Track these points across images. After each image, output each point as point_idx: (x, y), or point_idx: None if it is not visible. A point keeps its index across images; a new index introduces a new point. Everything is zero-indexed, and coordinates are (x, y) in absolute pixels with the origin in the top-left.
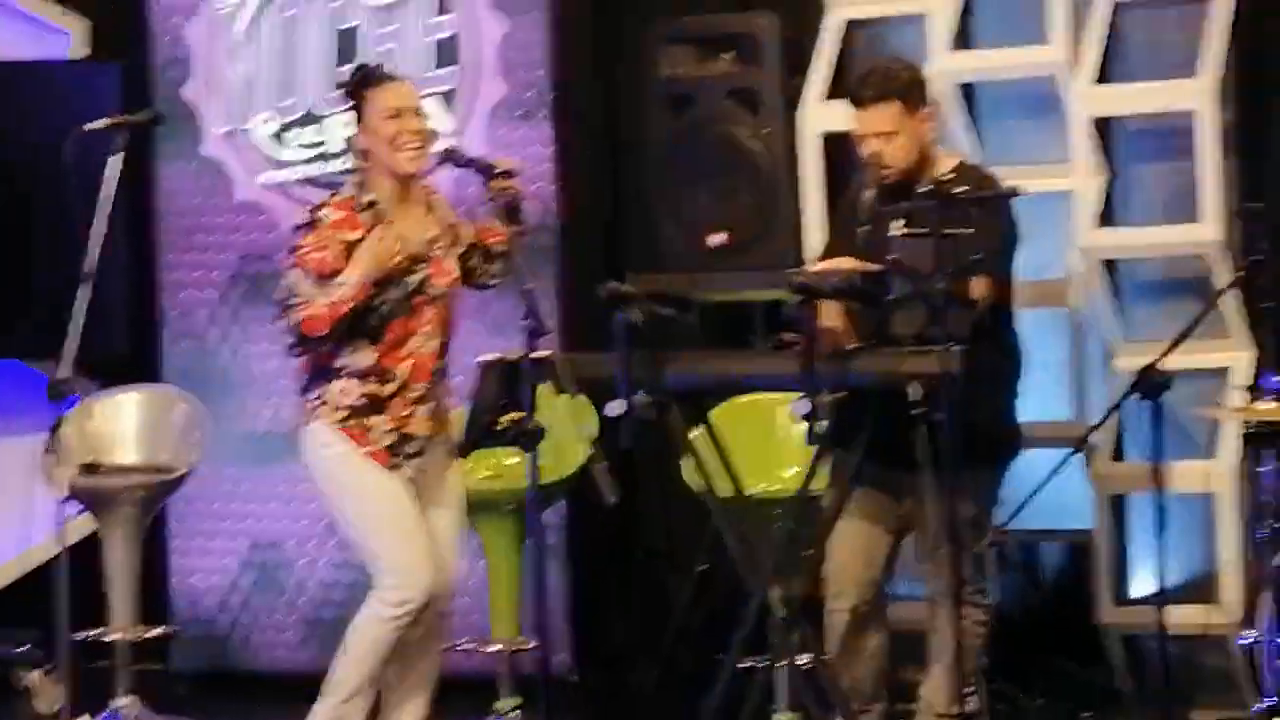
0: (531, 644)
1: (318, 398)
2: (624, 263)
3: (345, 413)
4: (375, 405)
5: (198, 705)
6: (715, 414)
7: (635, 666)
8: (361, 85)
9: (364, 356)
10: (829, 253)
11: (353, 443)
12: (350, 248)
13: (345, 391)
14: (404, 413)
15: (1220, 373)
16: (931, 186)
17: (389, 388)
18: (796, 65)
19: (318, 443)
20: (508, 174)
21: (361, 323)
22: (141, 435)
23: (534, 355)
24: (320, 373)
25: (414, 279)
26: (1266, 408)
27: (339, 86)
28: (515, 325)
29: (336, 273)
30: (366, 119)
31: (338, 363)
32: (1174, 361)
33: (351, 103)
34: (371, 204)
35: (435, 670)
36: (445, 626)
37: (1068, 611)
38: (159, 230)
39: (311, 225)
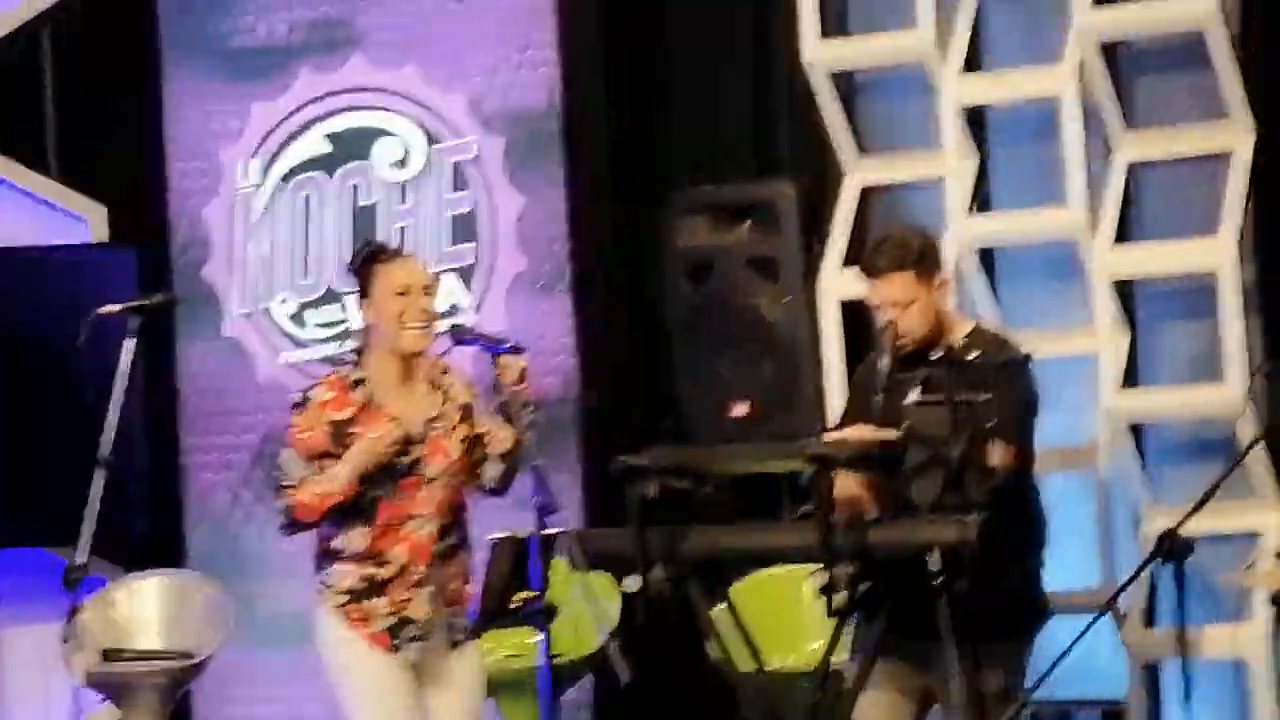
0: None
1: (322, 581)
2: (647, 436)
3: (345, 597)
4: (374, 589)
5: None
6: (737, 587)
7: None
8: (370, 260)
9: (358, 540)
10: (846, 420)
11: (353, 627)
12: (338, 427)
13: (344, 575)
14: (403, 596)
15: (1251, 538)
16: (946, 353)
17: (386, 571)
18: (814, 232)
19: (322, 626)
20: (519, 350)
21: (353, 504)
22: (164, 621)
23: (544, 532)
24: (323, 555)
25: (405, 460)
26: None
27: (351, 263)
28: (528, 504)
29: (325, 454)
30: (373, 295)
31: (335, 545)
32: (1203, 524)
33: (358, 279)
34: (360, 382)
35: None
36: None
37: None
38: (181, 412)
39: (303, 405)
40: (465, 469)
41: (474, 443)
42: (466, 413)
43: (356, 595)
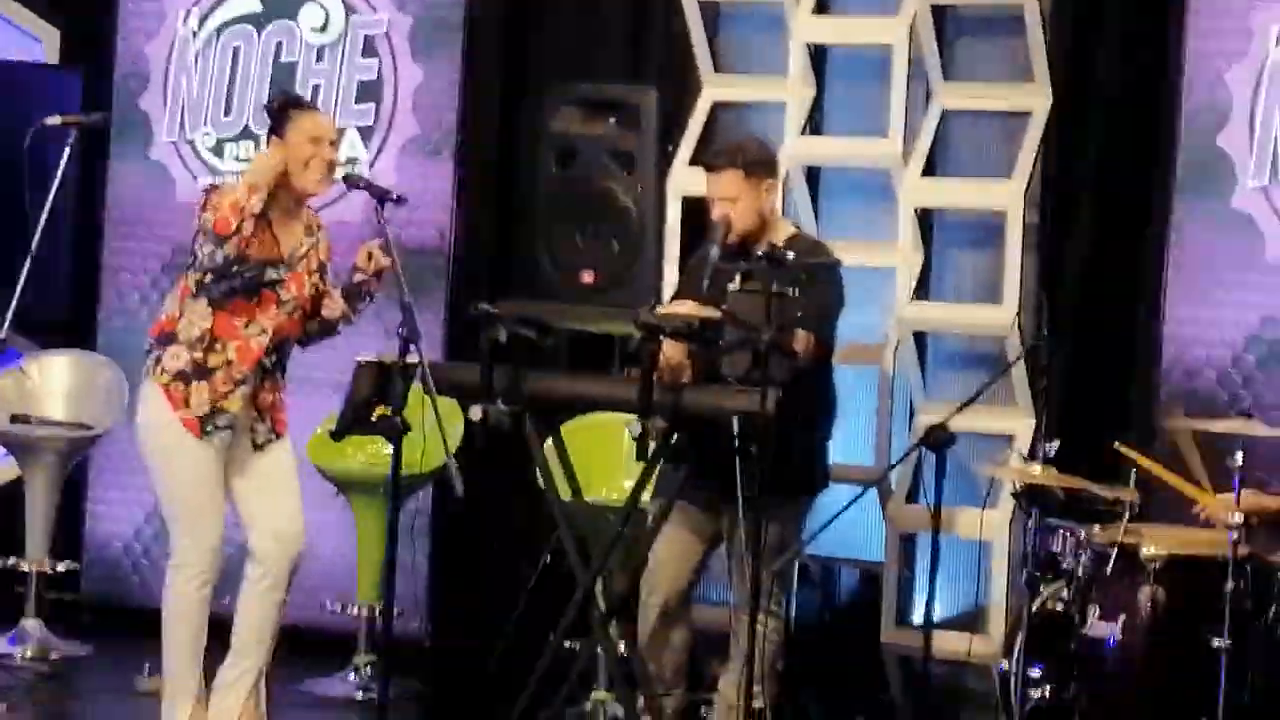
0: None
1: (155, 358)
2: (502, 290)
3: (172, 376)
4: (200, 373)
5: (99, 633)
6: (566, 427)
7: (480, 638)
8: (287, 106)
9: (200, 321)
10: (676, 299)
11: (174, 408)
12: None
13: (176, 355)
14: (224, 389)
15: (1006, 438)
16: (767, 250)
17: (214, 360)
18: (670, 134)
19: (145, 404)
20: (401, 200)
21: (212, 289)
22: (69, 394)
23: (406, 360)
24: (161, 336)
25: (271, 274)
26: (1035, 472)
27: (266, 104)
28: (395, 334)
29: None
30: (286, 137)
31: (178, 328)
32: (966, 423)
33: (274, 119)
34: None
35: (273, 619)
36: (287, 575)
37: (855, 630)
38: (106, 219)
39: (215, 190)
40: (305, 308)
41: (318, 292)
42: (321, 268)
43: (183, 376)
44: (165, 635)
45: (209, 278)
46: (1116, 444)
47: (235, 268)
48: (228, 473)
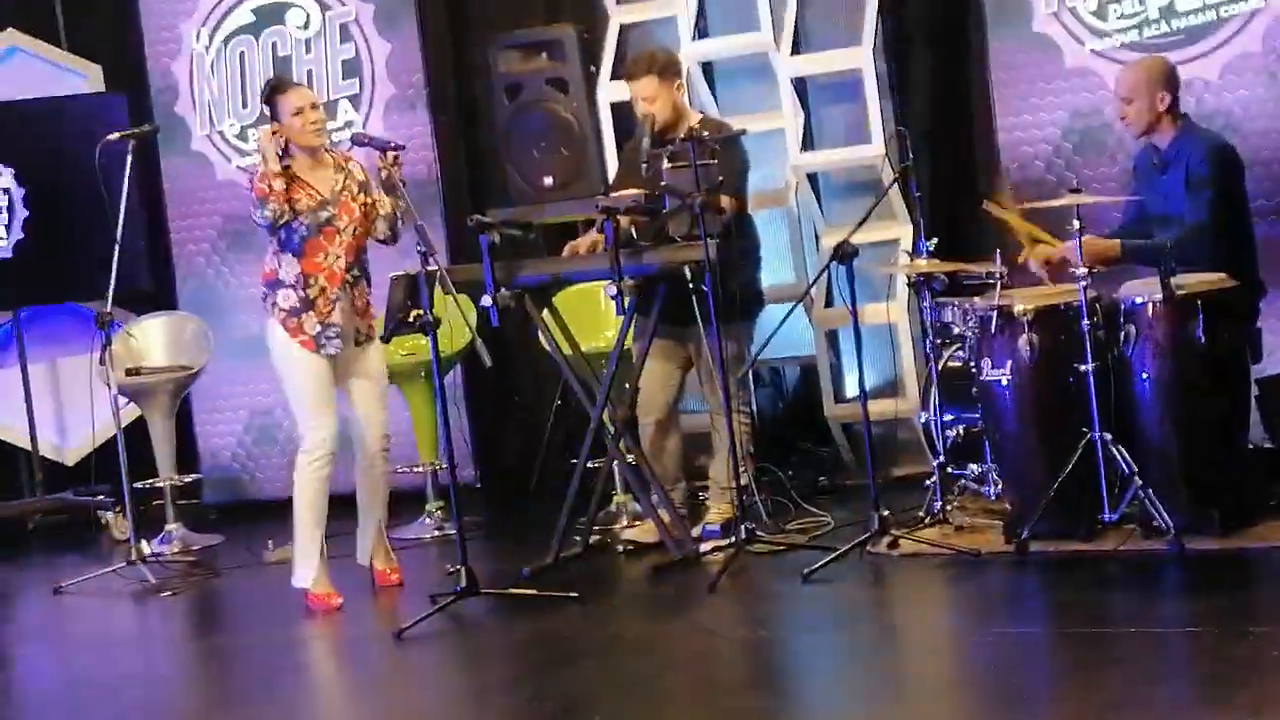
0: (445, 464)
1: (271, 301)
2: (484, 203)
3: (285, 312)
4: (305, 304)
5: (223, 526)
6: (557, 298)
7: (519, 474)
8: (272, 93)
9: (292, 268)
10: (619, 184)
11: (292, 334)
12: (281, 182)
13: (285, 296)
14: (326, 308)
15: (894, 243)
16: (687, 133)
17: (312, 291)
18: (591, 58)
19: (270, 335)
20: (399, 148)
21: (290, 242)
22: (167, 346)
23: (427, 270)
24: (270, 283)
25: (323, 214)
26: (922, 264)
27: (261, 94)
28: (414, 251)
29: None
30: (280, 117)
31: (280, 275)
32: (860, 237)
33: (268, 107)
34: (287, 168)
35: (382, 489)
36: (383, 459)
37: (804, 412)
38: (167, 204)
39: (253, 180)
40: (364, 223)
41: (369, 206)
42: (363, 187)
43: (293, 310)
44: (295, 509)
45: (280, 233)
46: (985, 204)
47: (296, 219)
48: (338, 374)
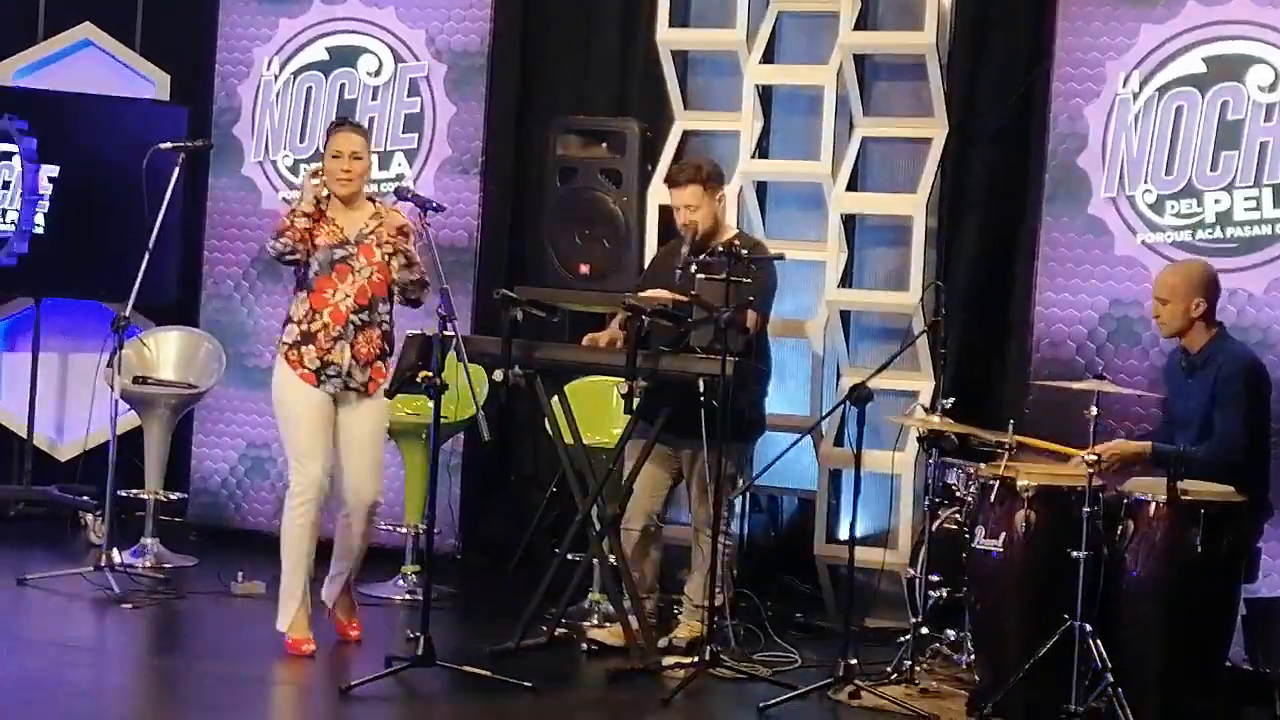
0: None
1: (279, 338)
2: (519, 279)
3: (288, 345)
4: (306, 339)
5: (200, 548)
6: (568, 386)
7: (501, 552)
8: (327, 131)
9: (302, 305)
10: (647, 284)
11: (293, 367)
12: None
13: (290, 331)
14: (326, 346)
15: (913, 394)
16: (723, 247)
17: (315, 325)
18: (649, 156)
19: (275, 369)
20: (439, 208)
21: (305, 278)
22: (178, 361)
23: (444, 334)
24: (285, 322)
25: (339, 252)
26: (934, 420)
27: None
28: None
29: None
30: (324, 154)
31: (289, 312)
32: (881, 383)
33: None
34: (319, 202)
35: (359, 547)
36: (366, 521)
37: (796, 545)
38: (207, 222)
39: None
40: (384, 271)
41: (401, 255)
42: (398, 235)
43: (296, 345)
44: (282, 550)
45: (299, 270)
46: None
47: (312, 254)
48: (335, 424)
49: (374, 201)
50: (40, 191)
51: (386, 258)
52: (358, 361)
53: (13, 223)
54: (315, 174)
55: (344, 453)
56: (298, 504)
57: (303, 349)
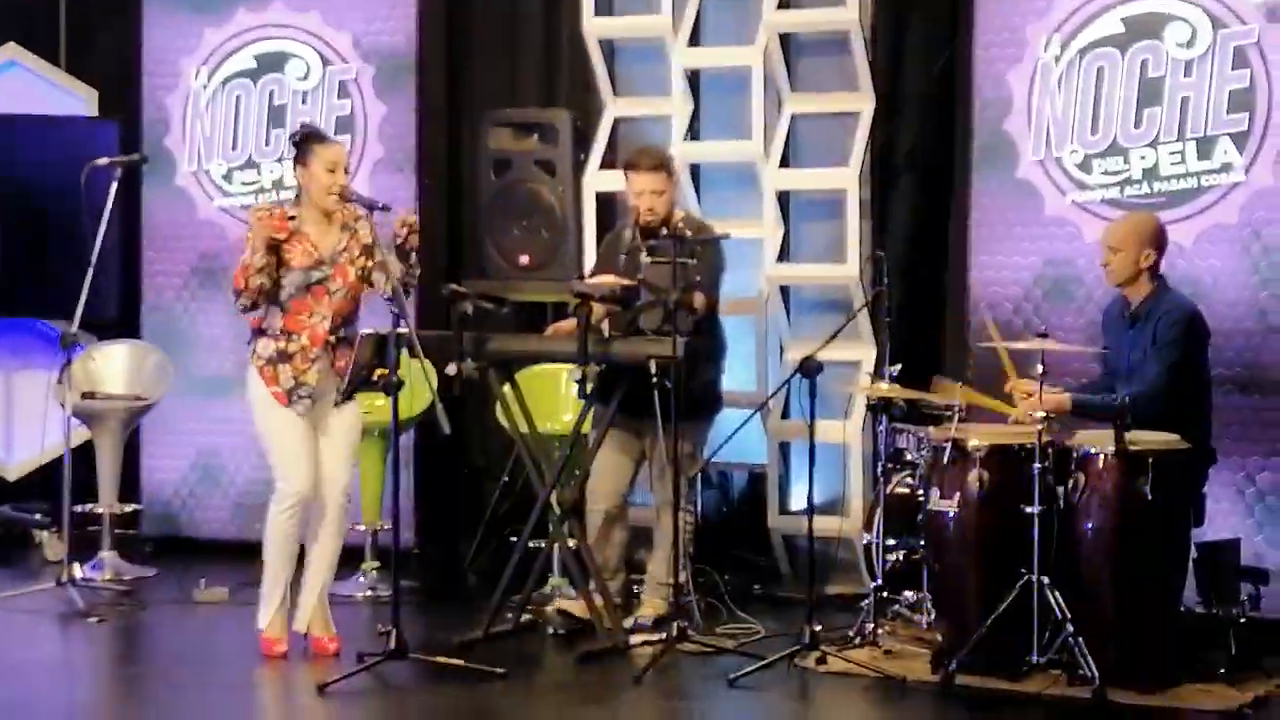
0: (386, 525)
1: (252, 349)
2: (459, 273)
3: (264, 361)
4: (282, 358)
5: (157, 559)
6: (520, 375)
7: (459, 544)
8: (310, 139)
9: (276, 319)
10: (597, 271)
11: (267, 384)
12: (273, 243)
13: (266, 345)
14: (302, 367)
15: (856, 364)
16: (670, 231)
17: (292, 346)
18: (581, 145)
19: (249, 380)
20: (385, 208)
21: (278, 296)
22: (126, 374)
23: (397, 331)
24: (255, 331)
25: (317, 274)
26: (883, 387)
27: (291, 135)
28: (386, 311)
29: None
30: (310, 165)
31: (264, 324)
32: (825, 354)
33: (299, 149)
34: (293, 218)
35: (333, 547)
36: (341, 516)
37: (749, 519)
38: (144, 235)
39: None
40: (358, 286)
41: (368, 270)
42: (366, 250)
43: (271, 361)
44: (264, 552)
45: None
46: (935, 378)
47: (284, 279)
48: (316, 428)
49: (343, 210)
50: None
51: (360, 274)
52: (338, 375)
53: None
54: (260, 215)
55: (321, 456)
56: (284, 508)
57: (279, 367)
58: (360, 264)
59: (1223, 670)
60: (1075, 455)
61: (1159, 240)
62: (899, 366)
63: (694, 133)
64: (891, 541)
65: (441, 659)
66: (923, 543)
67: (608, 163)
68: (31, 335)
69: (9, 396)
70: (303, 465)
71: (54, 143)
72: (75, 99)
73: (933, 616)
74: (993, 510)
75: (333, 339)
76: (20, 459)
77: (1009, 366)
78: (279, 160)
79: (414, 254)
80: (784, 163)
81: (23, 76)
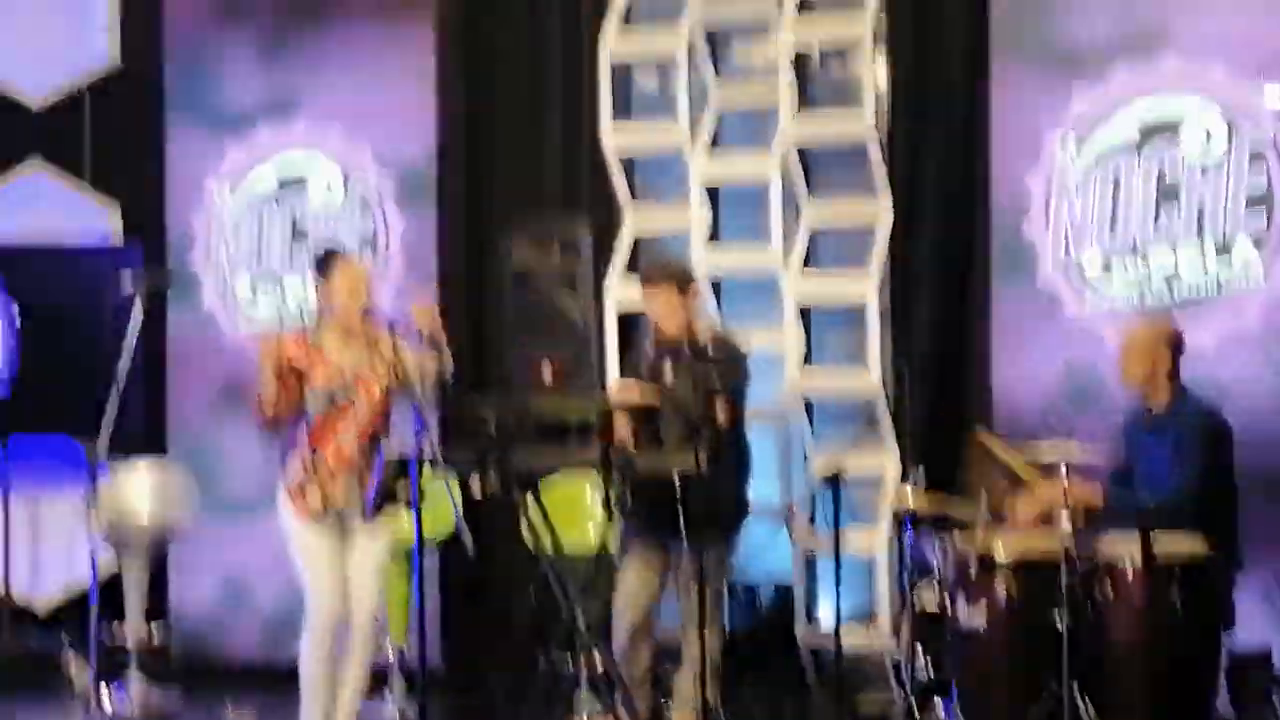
0: (412, 646)
1: (282, 467)
2: (482, 384)
3: (293, 483)
4: (310, 478)
5: (186, 681)
6: (544, 489)
7: (485, 663)
8: (332, 261)
9: (303, 436)
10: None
11: (294, 505)
12: (291, 364)
13: (292, 464)
14: (330, 488)
15: (877, 471)
16: (692, 345)
17: (320, 465)
18: (602, 257)
19: (279, 501)
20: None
21: (304, 413)
22: (153, 494)
23: (420, 447)
24: (283, 452)
25: (340, 394)
26: (910, 496)
27: (315, 259)
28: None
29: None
30: (332, 284)
31: (295, 439)
32: (849, 464)
33: (321, 271)
34: (310, 339)
35: (364, 669)
36: (368, 638)
37: (776, 631)
38: (169, 355)
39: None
40: (385, 402)
41: (388, 391)
42: (394, 366)
43: (300, 481)
44: (301, 680)
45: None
46: (979, 434)
47: (308, 399)
48: (344, 547)
49: (366, 323)
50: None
51: (385, 392)
52: (363, 493)
53: None
54: (267, 347)
55: (349, 571)
56: (317, 636)
57: (307, 488)
58: (384, 380)
59: None
60: (1101, 565)
61: (1174, 345)
62: (922, 469)
63: (713, 233)
64: (918, 649)
65: None
66: (951, 657)
67: (631, 268)
68: (57, 456)
69: (36, 523)
70: (336, 588)
71: (83, 271)
72: (97, 212)
73: None
74: (1020, 623)
75: (362, 459)
76: (49, 589)
77: (1024, 469)
78: (301, 279)
79: (443, 343)
80: (806, 261)
81: (46, 188)
